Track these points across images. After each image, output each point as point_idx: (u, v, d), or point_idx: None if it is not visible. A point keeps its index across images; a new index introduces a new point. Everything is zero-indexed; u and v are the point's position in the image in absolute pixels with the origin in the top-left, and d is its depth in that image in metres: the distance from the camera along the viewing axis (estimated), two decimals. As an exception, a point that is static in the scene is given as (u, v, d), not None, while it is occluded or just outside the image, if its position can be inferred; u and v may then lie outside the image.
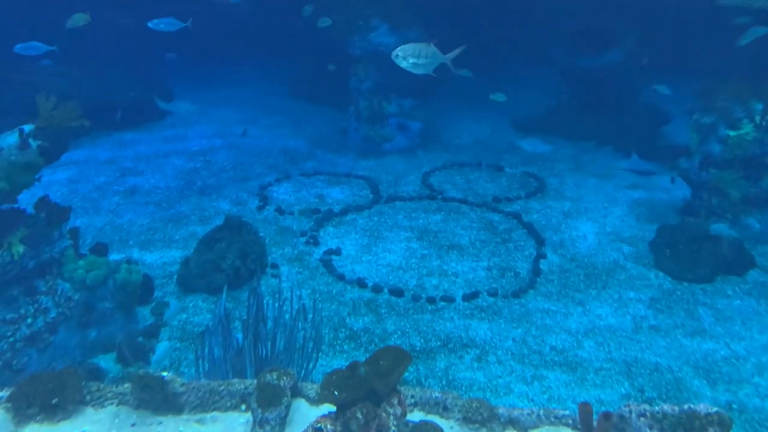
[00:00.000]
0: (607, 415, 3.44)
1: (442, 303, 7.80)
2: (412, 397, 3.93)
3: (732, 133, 9.04)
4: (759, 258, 8.58)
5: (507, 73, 15.72)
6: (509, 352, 6.95)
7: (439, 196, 10.77)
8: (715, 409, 3.26)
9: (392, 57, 6.80)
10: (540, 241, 9.21)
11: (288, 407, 3.70)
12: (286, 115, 15.48)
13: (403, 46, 6.83)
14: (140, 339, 6.77)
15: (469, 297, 7.89)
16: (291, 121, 15.03)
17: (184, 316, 7.48)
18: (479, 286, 8.10)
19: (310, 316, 6.19)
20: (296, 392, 3.90)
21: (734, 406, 6.16)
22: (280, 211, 10.16)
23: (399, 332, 7.24)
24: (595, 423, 3.47)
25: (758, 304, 7.75)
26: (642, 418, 3.35)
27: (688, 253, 8.28)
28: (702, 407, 3.28)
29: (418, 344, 7.03)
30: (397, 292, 7.96)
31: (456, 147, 13.38)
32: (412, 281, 8.24)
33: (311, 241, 9.21)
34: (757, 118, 8.92)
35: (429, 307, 7.72)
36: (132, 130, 14.04)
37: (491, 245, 9.16)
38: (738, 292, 7.99)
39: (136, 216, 10.03)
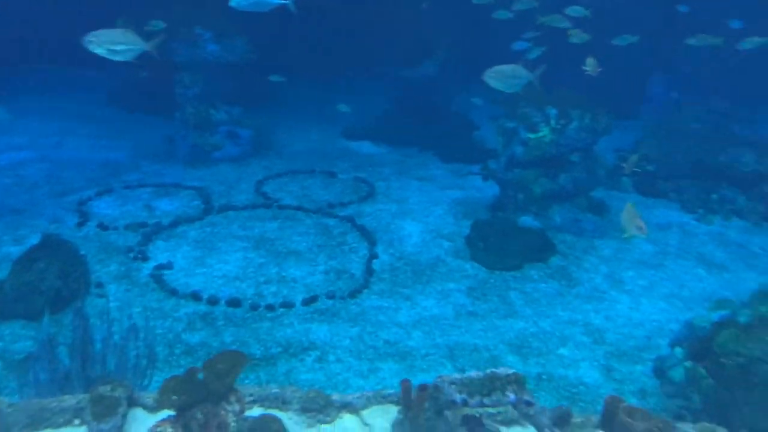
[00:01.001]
0: (423, 387, 3.88)
1: (282, 309, 7.97)
2: (252, 395, 4.10)
3: (532, 135, 10.19)
4: (559, 245, 9.75)
5: (349, 84, 16.35)
6: (347, 350, 7.30)
7: (275, 204, 10.92)
8: (512, 370, 3.81)
9: (85, 43, 6.35)
10: (372, 242, 9.71)
11: (125, 416, 3.72)
12: (106, 125, 14.75)
13: (96, 32, 6.44)
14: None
15: (309, 301, 8.14)
16: (111, 131, 14.34)
17: (1, 344, 6.97)
18: (318, 290, 8.38)
19: (142, 334, 6.10)
20: (133, 402, 3.91)
21: (543, 376, 7.01)
22: (102, 226, 9.71)
23: (238, 343, 7.30)
24: (414, 395, 3.89)
25: (560, 286, 8.83)
26: (452, 385, 3.82)
27: (499, 245, 9.23)
28: (501, 370, 3.82)
29: (259, 352, 7.14)
30: (234, 303, 7.99)
31: (289, 154, 13.62)
32: (250, 290, 8.32)
33: (139, 256, 8.93)
34: (552, 122, 10.15)
35: (268, 315, 7.85)
36: None
37: (328, 249, 9.50)
38: (543, 276, 9.04)
39: (-66, 241, 9.09)
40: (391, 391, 4.24)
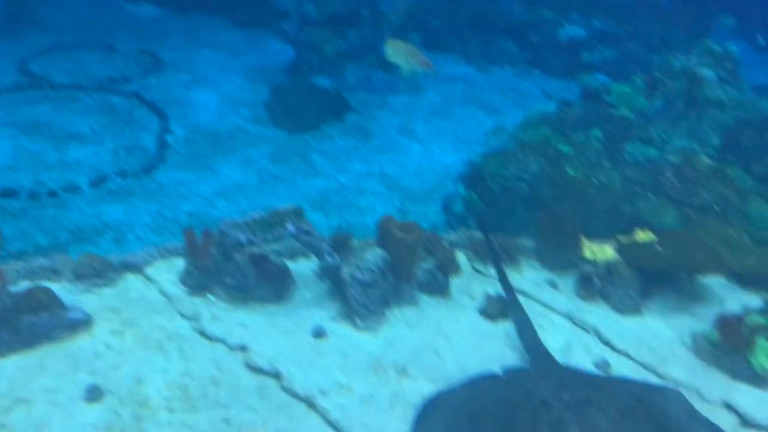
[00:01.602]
0: (207, 233, 3.90)
1: (67, 195, 7.41)
2: (17, 270, 3.85)
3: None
4: (354, 103, 9.93)
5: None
6: (147, 227, 7.05)
7: (46, 84, 9.82)
8: (290, 205, 3.95)
9: None
10: (164, 117, 9.20)
11: None
12: None
13: None
14: None
15: (97, 182, 7.63)
16: None
17: None
18: (107, 170, 7.87)
19: None
20: None
21: (343, 225, 7.35)
22: None
23: (20, 234, 6.73)
24: (199, 243, 3.91)
25: (357, 141, 9.10)
26: (237, 227, 3.88)
27: (297, 108, 9.21)
28: (281, 207, 3.94)
29: (45, 241, 6.66)
30: (8, 194, 7.26)
31: (56, 26, 12.13)
32: (27, 180, 7.60)
33: None
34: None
35: (51, 202, 7.26)
36: None
37: (115, 128, 8.85)
38: (340, 133, 9.24)
39: None
40: (177, 244, 4.21)
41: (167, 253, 4.14)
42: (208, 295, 3.98)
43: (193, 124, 9.15)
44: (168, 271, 4.07)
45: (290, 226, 3.85)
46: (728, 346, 3.70)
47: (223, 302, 3.92)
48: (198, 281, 3.98)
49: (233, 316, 3.81)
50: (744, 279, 4.38)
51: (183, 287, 3.99)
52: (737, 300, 4.22)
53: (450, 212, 7.11)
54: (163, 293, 3.95)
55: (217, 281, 3.97)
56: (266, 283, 3.94)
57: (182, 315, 3.82)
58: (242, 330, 3.71)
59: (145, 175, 7.95)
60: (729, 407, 3.54)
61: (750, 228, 4.88)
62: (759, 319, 3.74)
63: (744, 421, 3.47)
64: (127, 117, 9.19)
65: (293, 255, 4.24)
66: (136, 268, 4.06)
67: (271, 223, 3.86)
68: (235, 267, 3.97)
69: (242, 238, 3.89)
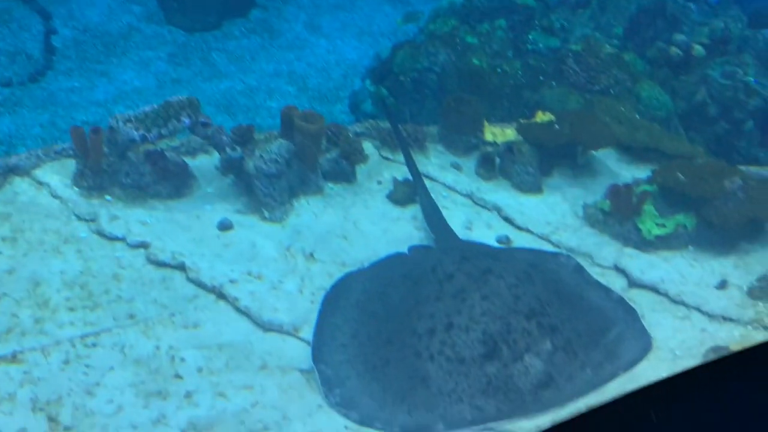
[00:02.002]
0: (95, 130, 3.69)
1: (-54, 107, 6.84)
2: None
3: None
4: (257, -2, 9.45)
5: None
6: (39, 139, 6.62)
7: None
8: (184, 96, 3.77)
9: None
10: (47, 16, 8.46)
11: None
12: None
13: None
14: None
15: (-22, 94, 7.05)
16: None
17: None
18: (-12, 79, 7.27)
19: None
20: None
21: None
22: None
23: None
24: (89, 142, 3.70)
25: (263, 39, 8.72)
26: (128, 124, 3.69)
27: (195, 4, 8.66)
28: (174, 98, 3.76)
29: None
30: None
31: None
32: None
33: None
34: None
35: (-71, 115, 6.69)
36: None
37: (-11, 32, 8.11)
38: (244, 31, 8.80)
39: None
40: (65, 145, 3.97)
41: (56, 154, 3.91)
42: (107, 197, 3.82)
43: (80, 24, 8.48)
44: (59, 174, 3.86)
45: (185, 119, 3.69)
46: (619, 214, 3.92)
47: (121, 202, 3.78)
48: (92, 182, 3.80)
49: (132, 215, 3.69)
50: (634, 153, 4.60)
51: (77, 189, 3.81)
52: (629, 173, 4.45)
53: (359, 111, 7.01)
54: (56, 196, 3.76)
55: (113, 181, 3.81)
56: (164, 181, 3.81)
57: (78, 217, 3.67)
58: (143, 228, 3.61)
59: (32, 83, 7.40)
60: (619, 270, 3.79)
61: (640, 107, 5.08)
62: (646, 187, 3.96)
63: (632, 282, 3.73)
64: (5, 17, 8.41)
65: (194, 152, 4.10)
66: (23, 171, 3.82)
67: (165, 117, 3.69)
68: (131, 165, 3.81)
69: (135, 135, 3.71)
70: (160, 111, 3.68)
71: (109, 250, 3.47)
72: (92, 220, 3.64)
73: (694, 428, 1.04)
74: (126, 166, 3.80)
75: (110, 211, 3.68)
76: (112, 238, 3.55)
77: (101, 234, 3.56)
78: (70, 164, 3.90)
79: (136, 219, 3.64)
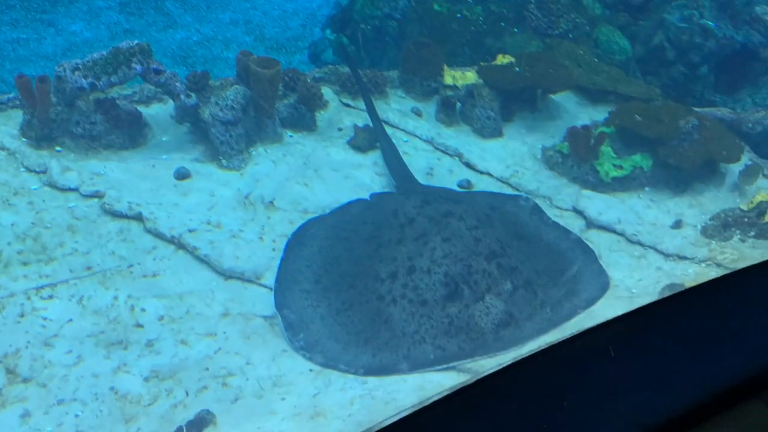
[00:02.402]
0: (42, 79, 3.54)
1: None
2: None
3: None
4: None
5: None
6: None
7: None
8: (135, 42, 3.63)
9: None
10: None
11: None
12: None
13: None
14: None
15: None
16: None
17: None
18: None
19: None
20: None
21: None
22: None
23: None
24: (35, 91, 3.56)
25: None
26: (76, 72, 3.55)
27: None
28: (124, 43, 3.61)
29: None
30: None
31: None
32: None
33: None
34: None
35: None
36: None
37: None
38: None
39: None
40: (10, 95, 3.81)
41: (2, 105, 3.75)
42: (57, 148, 3.70)
43: (22, -28, 8.07)
44: (4, 125, 3.71)
45: (137, 66, 3.56)
46: (577, 156, 3.95)
47: (73, 153, 3.66)
48: (41, 133, 3.66)
49: (85, 166, 3.58)
50: (593, 95, 4.62)
51: (25, 140, 3.67)
52: (587, 115, 4.47)
53: (319, 61, 6.86)
54: (3, 147, 3.62)
55: (64, 131, 3.68)
56: (117, 130, 3.69)
57: (28, 169, 3.54)
58: (97, 178, 3.51)
59: (-26, 36, 7.06)
60: (577, 212, 3.84)
61: (599, 51, 5.08)
62: (604, 129, 4.00)
63: (590, 223, 3.79)
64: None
65: (147, 100, 3.97)
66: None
67: (114, 64, 3.55)
68: (81, 115, 3.68)
69: (84, 83, 3.57)
70: (109, 58, 3.54)
71: (62, 202, 3.38)
72: (43, 172, 3.52)
73: (651, 361, 1.07)
74: (76, 116, 3.67)
75: (62, 163, 3.57)
76: (65, 189, 3.44)
77: (53, 185, 3.45)
78: (17, 115, 3.75)
79: (89, 170, 3.54)
